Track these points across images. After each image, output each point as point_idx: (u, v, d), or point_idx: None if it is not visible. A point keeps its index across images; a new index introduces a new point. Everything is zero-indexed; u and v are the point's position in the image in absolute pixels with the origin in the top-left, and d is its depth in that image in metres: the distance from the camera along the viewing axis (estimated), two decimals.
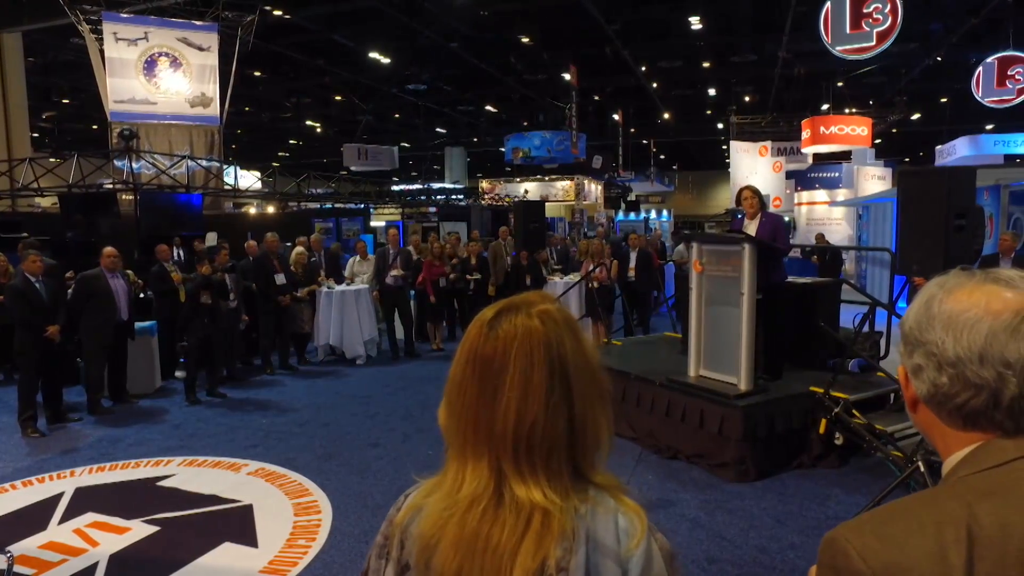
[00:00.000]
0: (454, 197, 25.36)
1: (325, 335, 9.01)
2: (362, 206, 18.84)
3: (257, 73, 19.26)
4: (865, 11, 10.04)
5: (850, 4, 10.12)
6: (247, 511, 4.45)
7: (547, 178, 25.53)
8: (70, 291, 6.94)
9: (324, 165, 31.40)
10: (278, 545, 3.96)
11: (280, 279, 8.34)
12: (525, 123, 24.78)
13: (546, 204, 14.12)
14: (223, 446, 5.75)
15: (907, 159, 31.13)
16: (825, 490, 4.59)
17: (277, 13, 14.38)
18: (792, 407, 4.99)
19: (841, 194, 20.81)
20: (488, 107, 25.33)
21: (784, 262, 5.63)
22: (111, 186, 11.99)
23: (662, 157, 36.49)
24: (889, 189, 17.09)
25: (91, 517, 4.36)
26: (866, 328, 5.84)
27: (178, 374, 7.99)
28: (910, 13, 10.76)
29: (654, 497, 4.53)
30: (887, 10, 9.89)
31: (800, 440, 5.04)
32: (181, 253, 9.23)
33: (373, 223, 17.87)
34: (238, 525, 4.24)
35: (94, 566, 3.72)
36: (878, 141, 22.53)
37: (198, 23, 14.14)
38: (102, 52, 13.40)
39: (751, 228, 5.34)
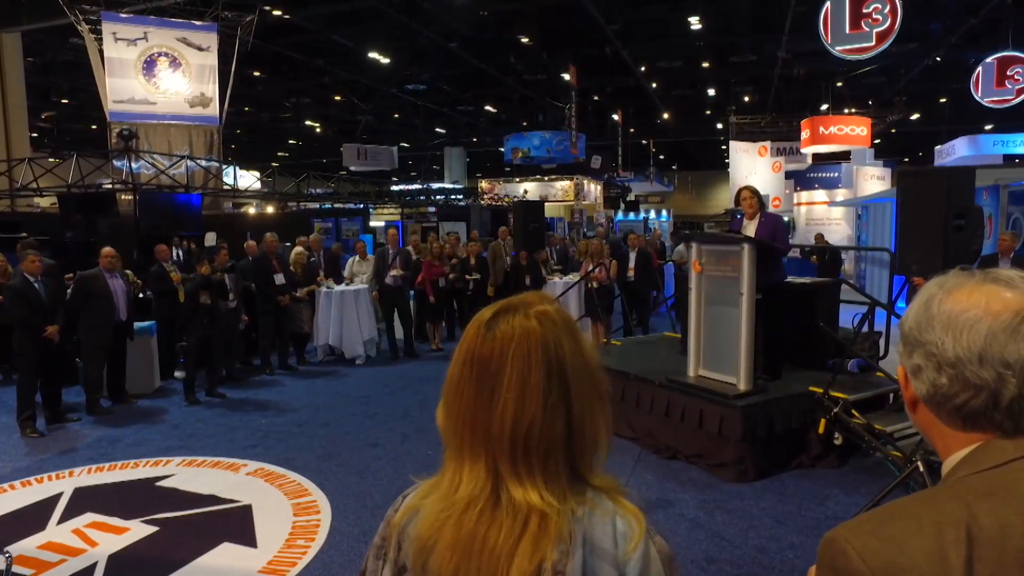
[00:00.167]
0: (453, 197, 25.35)
1: (324, 335, 9.01)
2: (361, 206, 18.83)
3: (257, 73, 19.26)
4: (864, 11, 10.04)
5: (850, 4, 10.12)
6: (246, 511, 4.44)
7: (546, 178, 25.52)
8: (69, 291, 6.94)
9: (323, 165, 31.40)
10: (277, 545, 3.95)
11: (279, 279, 8.34)
12: (524, 123, 24.78)
13: (545, 204, 14.12)
14: (222, 446, 5.75)
15: (906, 159, 31.13)
16: (824, 490, 4.59)
17: (277, 13, 14.38)
18: (791, 407, 4.99)
19: (840, 194, 20.82)
20: (487, 107, 25.33)
21: (783, 262, 5.63)
22: (110, 186, 11.99)
23: (661, 157, 36.50)
24: (888, 189, 17.10)
25: (90, 517, 4.35)
26: (865, 328, 5.84)
27: (177, 374, 7.98)
28: (909, 13, 10.76)
29: (653, 497, 4.53)
30: (886, 10, 9.89)
31: (799, 440, 5.04)
32: (180, 253, 9.23)
33: (372, 223, 17.86)
34: (237, 525, 4.24)
35: (93, 566, 3.72)
36: (877, 141, 22.53)
37: (197, 23, 14.14)
38: (101, 52, 13.39)
39: (750, 228, 5.35)
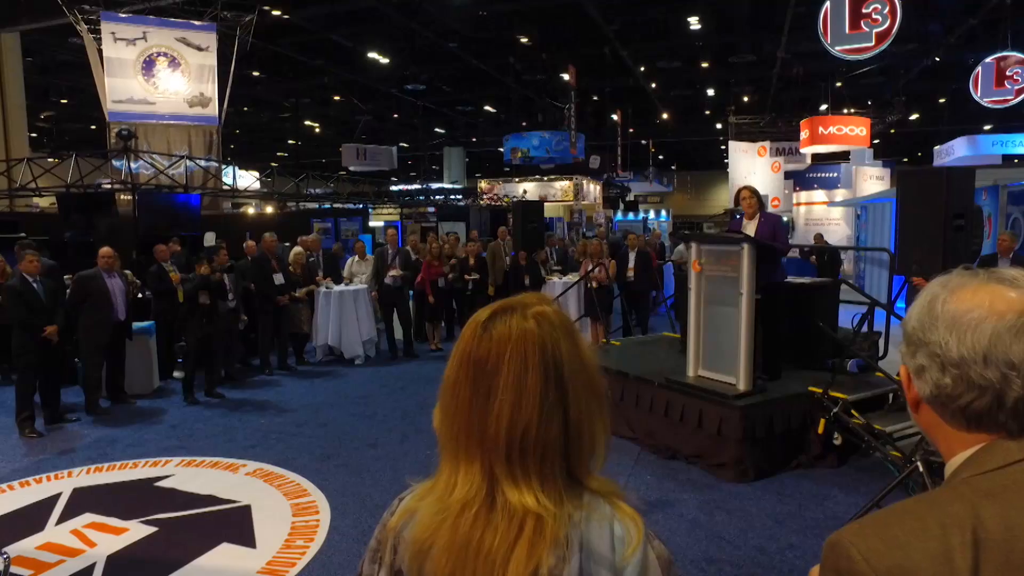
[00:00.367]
0: (453, 197, 25.33)
1: (324, 335, 9.00)
2: (361, 206, 18.81)
3: (256, 73, 19.22)
4: (864, 11, 10.04)
5: (849, 4, 10.12)
6: (245, 511, 4.44)
7: (546, 178, 25.48)
8: (68, 291, 6.93)
9: (323, 165, 31.39)
10: (276, 545, 3.95)
11: (279, 279, 8.33)
12: (524, 123, 24.74)
13: (544, 204, 14.11)
14: (221, 446, 5.74)
15: (905, 159, 31.14)
16: (824, 490, 4.59)
17: (276, 13, 14.35)
18: (791, 407, 4.99)
19: (839, 194, 20.85)
20: (487, 107, 25.31)
21: (783, 262, 5.63)
22: (109, 186, 11.98)
23: (660, 157, 36.48)
24: (887, 189, 17.11)
25: (89, 518, 4.35)
26: (865, 328, 5.84)
27: (176, 374, 7.98)
28: (909, 13, 10.77)
29: (652, 497, 4.52)
30: (886, 11, 9.89)
31: (799, 440, 5.03)
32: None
33: (372, 223, 17.84)
34: (236, 525, 4.23)
35: (92, 567, 3.71)
36: (876, 141, 22.53)
37: (197, 23, 14.12)
38: (100, 52, 13.37)
39: (750, 228, 5.34)
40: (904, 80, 18.53)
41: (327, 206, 18.98)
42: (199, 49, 14.07)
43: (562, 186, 25.23)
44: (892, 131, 22.58)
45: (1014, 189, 9.34)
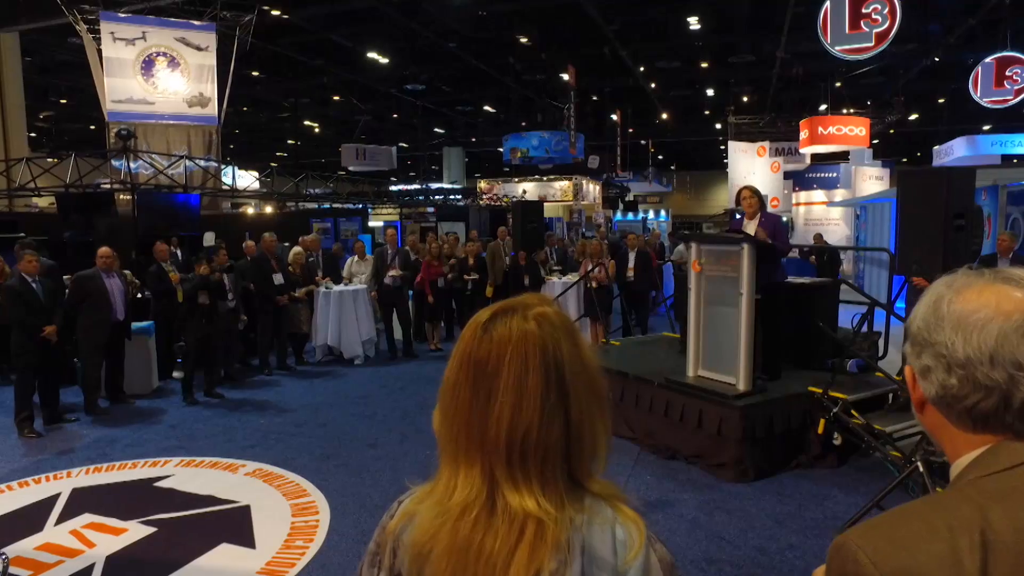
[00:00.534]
0: (452, 197, 25.32)
1: (323, 335, 9.00)
2: (360, 206, 18.80)
3: (255, 73, 19.21)
4: (864, 11, 10.04)
5: (849, 4, 10.12)
6: (245, 512, 4.43)
7: (545, 178, 25.49)
8: (67, 291, 6.92)
9: (322, 165, 31.34)
10: (276, 546, 3.94)
11: (278, 279, 8.32)
12: (523, 123, 24.73)
13: (544, 204, 14.09)
14: (221, 447, 5.73)
15: (905, 159, 31.16)
16: (824, 490, 4.58)
17: (275, 13, 14.34)
18: (791, 407, 4.99)
19: (839, 194, 20.84)
20: (486, 107, 25.30)
21: (783, 262, 5.62)
22: (108, 186, 11.97)
23: (660, 157, 36.48)
24: (887, 189, 17.11)
25: (88, 518, 4.34)
26: (864, 328, 5.83)
27: (176, 374, 7.97)
28: (908, 14, 10.76)
29: (652, 497, 4.52)
30: (886, 11, 9.89)
31: (799, 440, 5.03)
32: (179, 253, 9.20)
33: (371, 223, 17.84)
34: (236, 526, 4.23)
35: (91, 567, 3.71)
36: (876, 141, 22.54)
37: (196, 23, 14.11)
38: (100, 52, 13.36)
39: (750, 228, 5.34)
40: (904, 80, 18.53)
41: (326, 206, 18.97)
42: (198, 49, 14.06)
43: (561, 186, 25.24)
44: (891, 131, 22.58)
45: (1014, 189, 9.34)
